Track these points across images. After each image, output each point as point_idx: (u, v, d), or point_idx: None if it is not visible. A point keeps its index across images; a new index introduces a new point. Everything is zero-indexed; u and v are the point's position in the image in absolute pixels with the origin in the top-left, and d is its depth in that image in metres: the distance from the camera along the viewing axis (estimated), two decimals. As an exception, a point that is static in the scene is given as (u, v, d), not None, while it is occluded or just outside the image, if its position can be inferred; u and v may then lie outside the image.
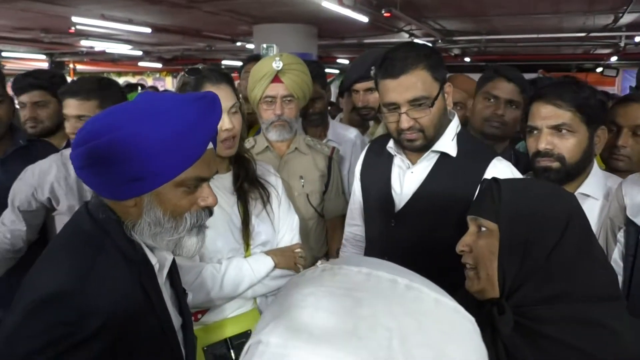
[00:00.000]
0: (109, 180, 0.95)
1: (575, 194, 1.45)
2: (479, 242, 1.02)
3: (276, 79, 1.92)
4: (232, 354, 1.51)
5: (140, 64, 13.05)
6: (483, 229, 1.02)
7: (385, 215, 1.55)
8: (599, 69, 10.37)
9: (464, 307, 0.50)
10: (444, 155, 1.49)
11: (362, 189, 1.71)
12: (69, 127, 1.89)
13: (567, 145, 1.42)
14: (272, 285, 1.62)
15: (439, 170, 1.49)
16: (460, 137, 1.51)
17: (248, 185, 1.62)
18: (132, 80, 14.67)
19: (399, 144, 1.51)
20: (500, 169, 1.45)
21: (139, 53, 11.20)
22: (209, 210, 1.08)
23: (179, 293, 1.20)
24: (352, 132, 2.48)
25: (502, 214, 0.98)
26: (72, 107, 1.88)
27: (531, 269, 0.92)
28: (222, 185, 1.63)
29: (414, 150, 1.49)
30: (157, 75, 14.77)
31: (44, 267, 0.99)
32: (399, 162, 1.57)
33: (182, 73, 1.64)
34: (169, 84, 14.73)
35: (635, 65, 10.27)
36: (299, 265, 1.65)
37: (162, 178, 0.97)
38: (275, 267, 1.59)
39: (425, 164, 1.51)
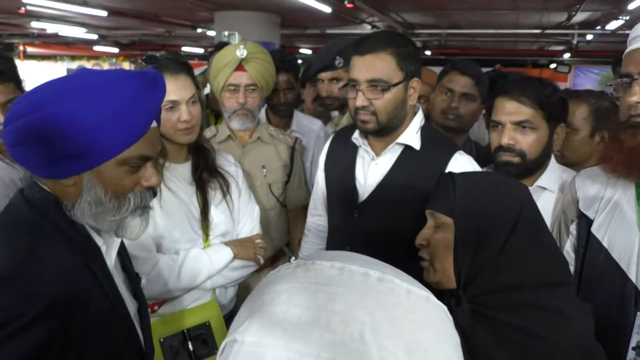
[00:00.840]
0: (45, 157, 0.91)
1: (533, 186, 1.51)
2: (435, 236, 1.05)
3: (240, 67, 1.89)
4: (190, 345, 1.49)
5: (96, 48, 12.56)
6: (438, 223, 1.05)
7: (348, 206, 1.56)
8: (553, 65, 10.76)
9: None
10: (407, 148, 1.51)
11: (326, 179, 1.71)
12: None
13: (528, 141, 1.46)
14: (232, 276, 1.62)
15: (403, 162, 1.51)
16: (424, 131, 1.54)
17: (207, 175, 1.60)
18: (87, 65, 14.13)
19: (355, 123, 1.53)
20: (462, 162, 1.48)
21: (94, 37, 10.78)
22: (153, 191, 1.06)
23: (132, 277, 1.17)
24: (316, 124, 2.48)
25: (457, 209, 1.01)
26: None
27: (485, 261, 0.95)
28: (180, 175, 1.60)
29: (367, 133, 1.51)
30: (114, 60, 14.25)
31: None
32: (363, 153, 1.58)
33: (140, 60, 1.60)
34: (126, 68, 14.26)
35: (586, 62, 10.72)
36: (259, 256, 1.65)
37: (103, 155, 0.94)
38: (235, 257, 1.59)
39: (389, 156, 1.53)
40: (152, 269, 1.46)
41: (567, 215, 1.39)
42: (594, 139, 1.72)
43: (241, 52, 1.88)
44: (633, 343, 1.18)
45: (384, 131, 1.48)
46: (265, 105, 2.42)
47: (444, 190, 1.07)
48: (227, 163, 1.71)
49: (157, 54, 1.60)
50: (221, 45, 2.97)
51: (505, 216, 0.98)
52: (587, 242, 1.29)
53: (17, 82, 1.80)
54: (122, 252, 1.15)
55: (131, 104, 0.93)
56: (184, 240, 1.55)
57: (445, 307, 0.49)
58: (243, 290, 1.81)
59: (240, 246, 1.62)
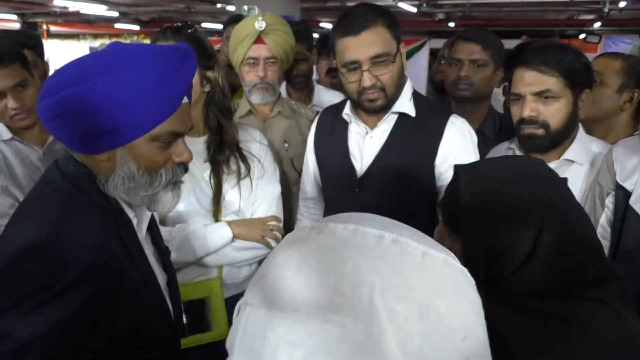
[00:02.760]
0: (79, 133, 0.93)
1: (560, 160, 1.46)
2: (445, 244, 0.91)
3: (259, 40, 1.87)
4: (184, 319, 1.50)
5: (117, 25, 12.60)
6: (447, 237, 0.90)
7: (347, 183, 1.54)
8: (582, 35, 10.36)
9: None
10: (402, 117, 1.49)
11: (318, 159, 1.68)
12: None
13: (552, 111, 1.41)
14: (238, 257, 1.58)
15: (399, 131, 1.49)
16: (416, 98, 1.52)
17: (224, 156, 1.55)
18: (109, 42, 14.21)
19: (359, 105, 1.48)
20: (458, 125, 1.48)
21: (115, 14, 10.80)
22: (184, 167, 1.07)
23: (162, 250, 1.19)
24: (337, 97, 2.44)
25: (463, 226, 0.84)
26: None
27: (498, 280, 0.80)
28: (194, 149, 1.57)
29: (375, 111, 1.48)
30: (135, 38, 14.29)
31: (16, 222, 0.98)
32: (356, 129, 1.55)
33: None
34: (147, 47, 14.29)
35: (618, 32, 10.30)
36: (269, 239, 1.60)
37: (136, 131, 0.95)
38: (236, 238, 1.55)
39: (384, 127, 1.50)
40: None
41: (602, 188, 1.35)
42: (621, 95, 1.66)
43: (260, 24, 1.85)
44: None
45: (389, 104, 1.46)
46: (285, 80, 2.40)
47: (452, 195, 0.89)
48: (252, 140, 1.66)
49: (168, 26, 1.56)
50: (235, 18, 2.93)
51: (522, 235, 0.79)
52: (625, 215, 1.25)
53: (23, 61, 1.75)
54: (153, 226, 1.17)
55: (163, 80, 0.93)
56: (192, 215, 1.54)
57: (465, 270, 0.47)
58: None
59: (245, 226, 1.57)
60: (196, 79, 1.50)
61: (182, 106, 1.00)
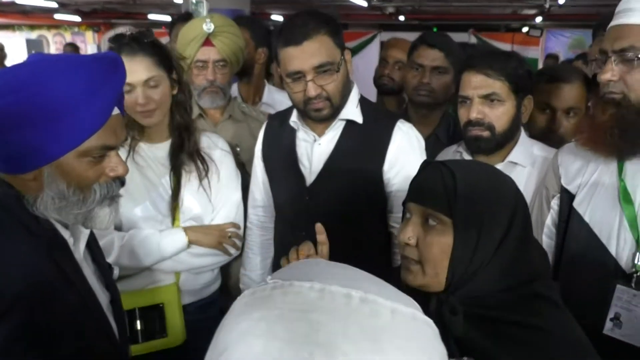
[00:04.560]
0: (1, 150, 0.88)
1: (504, 162, 1.52)
2: (429, 238, 0.92)
3: (207, 42, 1.83)
4: (138, 324, 1.49)
5: (56, 16, 11.98)
6: (433, 222, 0.92)
7: (297, 191, 1.54)
8: (525, 29, 10.77)
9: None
10: (349, 123, 1.50)
11: (267, 168, 1.67)
12: None
13: (497, 114, 1.46)
14: (195, 263, 1.57)
15: (347, 138, 1.50)
16: (363, 104, 1.53)
17: (185, 158, 1.55)
18: (48, 35, 13.52)
19: (305, 115, 1.48)
20: (405, 130, 1.50)
21: (54, 5, 10.27)
22: (121, 180, 1.03)
23: (103, 268, 1.15)
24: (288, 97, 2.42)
25: (458, 209, 0.89)
26: None
27: (480, 264, 0.89)
28: (153, 155, 1.56)
29: (321, 120, 1.48)
30: (76, 29, 13.65)
31: None
32: (304, 136, 1.55)
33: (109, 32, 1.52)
34: (89, 38, 13.68)
35: (558, 26, 10.77)
36: (227, 246, 1.60)
37: (61, 148, 0.90)
38: (191, 244, 1.53)
39: (332, 134, 1.51)
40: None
41: (548, 190, 1.41)
42: None
43: (208, 26, 1.81)
44: (611, 314, 1.22)
45: (336, 113, 1.46)
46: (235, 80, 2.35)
47: (438, 182, 0.92)
48: (213, 147, 1.65)
49: (126, 32, 1.51)
50: (184, 17, 2.85)
51: (503, 214, 0.90)
52: (569, 217, 1.31)
53: None
54: (92, 243, 1.12)
55: (90, 92, 0.89)
56: (146, 220, 1.52)
57: (431, 322, 0.48)
58: (225, 277, 1.81)
59: (202, 232, 1.56)
60: (166, 85, 1.49)
61: (112, 118, 0.95)
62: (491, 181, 0.95)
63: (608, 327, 1.22)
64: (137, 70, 1.43)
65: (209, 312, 1.67)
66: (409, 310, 0.47)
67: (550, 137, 1.68)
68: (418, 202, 0.94)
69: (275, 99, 2.39)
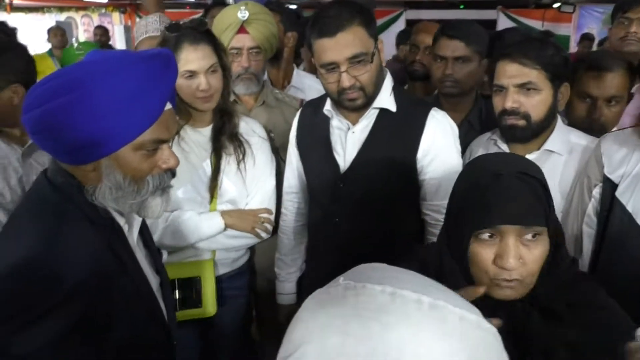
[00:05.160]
0: (63, 145, 0.94)
1: (540, 150, 1.51)
2: (534, 252, 0.90)
3: (242, 29, 1.86)
4: (177, 294, 1.61)
5: (84, -2, 12.08)
6: (532, 237, 0.89)
7: (331, 178, 1.57)
8: (556, 5, 10.43)
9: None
10: (383, 112, 1.51)
11: (301, 154, 1.70)
12: None
13: (533, 103, 1.45)
14: (230, 243, 1.68)
15: (381, 126, 1.51)
16: (396, 92, 1.54)
17: (225, 141, 1.62)
18: (76, 16, 13.66)
19: (339, 104, 1.50)
20: (439, 118, 1.51)
21: (82, -14, 10.36)
22: (172, 172, 1.08)
23: (153, 252, 1.21)
24: (318, 81, 2.43)
25: (551, 217, 0.92)
26: None
27: (556, 275, 0.94)
28: (196, 139, 1.63)
29: (355, 110, 1.49)
30: (103, 10, 13.75)
31: (7, 237, 0.98)
32: (338, 124, 1.57)
33: (163, 29, 1.57)
34: (116, 19, 13.77)
35: (591, 1, 10.38)
36: (260, 230, 1.67)
37: (120, 141, 0.96)
38: (227, 228, 1.62)
39: (366, 122, 1.53)
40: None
41: (590, 179, 1.41)
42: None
43: (242, 14, 1.84)
44: None
45: (369, 102, 1.48)
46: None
47: (533, 197, 0.90)
48: (251, 132, 1.71)
49: (181, 22, 1.58)
50: (216, 2, 2.88)
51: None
52: (611, 206, 1.31)
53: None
54: (144, 230, 1.18)
55: (145, 88, 0.94)
56: (188, 201, 1.60)
57: (495, 331, 0.50)
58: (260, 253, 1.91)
59: (237, 217, 1.64)
60: (220, 71, 1.56)
61: (165, 112, 1.00)
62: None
63: (647, 315, 1.24)
64: (201, 57, 1.51)
65: (237, 282, 1.79)
66: (474, 317, 0.49)
67: (591, 125, 1.66)
68: (517, 224, 0.88)
69: (304, 82, 2.40)
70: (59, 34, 6.10)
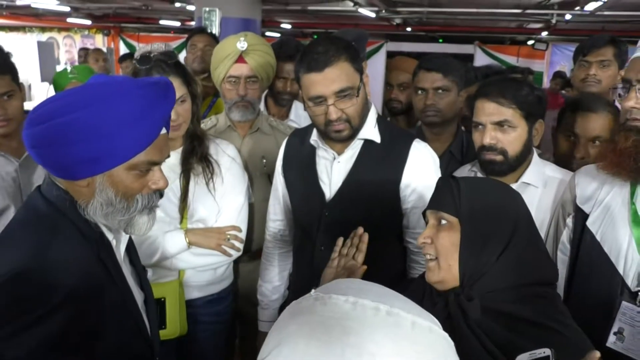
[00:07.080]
0: (61, 160, 0.99)
1: (518, 183, 1.61)
2: (440, 234, 1.09)
3: (240, 59, 1.95)
4: None
5: (68, 20, 12.11)
6: (444, 221, 1.09)
7: (317, 207, 1.61)
8: (530, 42, 10.89)
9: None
10: (367, 142, 1.57)
11: (287, 182, 1.74)
12: None
13: (509, 140, 1.55)
14: (196, 262, 1.70)
15: (365, 156, 1.58)
16: (380, 124, 1.61)
17: (194, 162, 1.67)
18: (58, 37, 13.64)
19: (325, 135, 1.56)
20: (421, 149, 1.58)
21: (67, 9, 10.40)
22: (160, 193, 1.13)
23: (139, 269, 1.25)
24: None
25: (462, 209, 1.06)
26: None
27: (489, 262, 1.03)
28: (167, 162, 1.64)
29: (341, 141, 1.55)
30: (86, 32, 13.77)
31: (1, 247, 1.02)
32: (324, 154, 1.62)
33: (134, 61, 1.64)
34: (99, 42, 13.80)
35: (563, 40, 10.88)
36: (226, 248, 1.70)
37: (115, 160, 1.02)
38: (191, 245, 1.65)
39: (351, 153, 1.58)
40: None
41: (565, 209, 1.51)
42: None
43: (241, 45, 1.93)
44: (615, 328, 1.32)
45: (355, 133, 1.54)
46: (265, 93, 2.44)
47: (447, 191, 1.11)
48: (221, 153, 1.76)
49: (150, 53, 1.63)
50: (196, 31, 3.02)
51: (507, 219, 1.06)
52: (582, 235, 1.41)
53: (14, 74, 1.78)
54: (130, 246, 1.23)
55: (143, 113, 1.01)
56: (157, 222, 1.58)
57: (446, 335, 0.58)
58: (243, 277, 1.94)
59: (201, 235, 1.67)
60: (189, 101, 1.62)
61: (160, 137, 1.06)
62: (494, 187, 1.15)
63: (611, 341, 1.32)
64: None
65: (215, 308, 1.80)
66: (427, 323, 0.57)
67: (572, 162, 1.77)
68: (432, 208, 1.13)
69: (301, 115, 2.48)
70: (101, 59, 5.02)
